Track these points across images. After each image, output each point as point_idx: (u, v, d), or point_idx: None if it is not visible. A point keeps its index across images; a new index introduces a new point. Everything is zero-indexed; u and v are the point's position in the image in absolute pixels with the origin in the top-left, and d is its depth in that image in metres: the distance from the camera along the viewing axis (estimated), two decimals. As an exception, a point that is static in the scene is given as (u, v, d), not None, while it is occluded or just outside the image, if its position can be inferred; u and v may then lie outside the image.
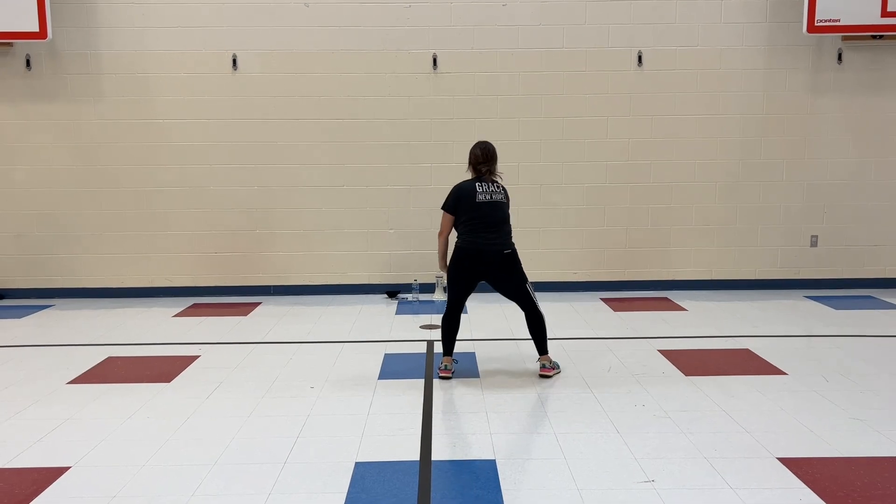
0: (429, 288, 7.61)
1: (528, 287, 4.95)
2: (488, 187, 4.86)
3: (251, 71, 7.46)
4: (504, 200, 4.90)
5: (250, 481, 3.45)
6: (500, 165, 5.03)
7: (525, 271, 4.97)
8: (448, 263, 4.98)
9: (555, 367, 4.99)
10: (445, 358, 4.99)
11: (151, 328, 6.49)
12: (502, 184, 4.97)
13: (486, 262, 4.84)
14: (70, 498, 3.32)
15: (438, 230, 5.04)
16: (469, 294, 4.99)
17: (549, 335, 5.05)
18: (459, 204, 4.87)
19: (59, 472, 3.57)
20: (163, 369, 5.22)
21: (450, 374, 4.93)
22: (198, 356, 5.55)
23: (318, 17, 7.40)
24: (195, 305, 7.36)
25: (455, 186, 4.95)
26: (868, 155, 7.60)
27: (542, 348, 5.00)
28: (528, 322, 4.99)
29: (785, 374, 4.96)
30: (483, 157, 4.89)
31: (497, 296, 6.83)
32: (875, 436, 3.89)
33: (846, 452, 3.69)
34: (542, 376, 4.93)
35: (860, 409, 4.28)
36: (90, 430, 4.09)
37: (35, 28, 7.08)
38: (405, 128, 7.54)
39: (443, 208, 4.96)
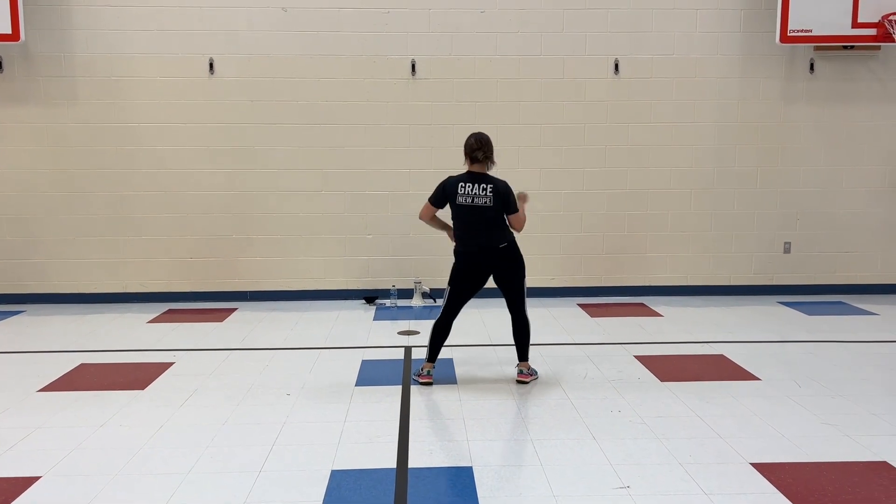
0: (407, 294, 7.60)
1: (525, 287, 4.94)
2: (471, 189, 4.77)
3: (228, 75, 7.41)
4: (488, 204, 4.76)
5: (225, 490, 3.42)
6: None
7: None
8: (451, 269, 4.92)
9: (532, 373, 5.01)
10: (428, 364, 4.98)
11: (125, 334, 6.41)
12: (497, 179, 4.84)
13: (487, 258, 4.82)
14: (40, 508, 3.28)
15: (419, 214, 4.98)
16: (470, 299, 4.94)
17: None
18: (444, 197, 4.87)
19: (29, 481, 3.52)
20: (136, 376, 5.16)
21: (431, 381, 4.92)
22: (172, 363, 5.49)
23: (297, 22, 7.38)
24: (170, 311, 7.29)
25: (444, 180, 4.89)
26: (839, 163, 7.73)
27: (523, 354, 5.01)
28: (515, 327, 4.99)
29: (758, 379, 5.02)
30: (478, 144, 4.79)
31: (476, 301, 6.83)
32: (846, 441, 3.95)
33: (818, 457, 3.74)
34: (519, 382, 4.95)
35: (831, 415, 4.34)
36: (61, 439, 4.03)
37: (7, 30, 6.99)
38: (384, 133, 7.54)
39: (429, 199, 4.92)
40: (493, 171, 4.89)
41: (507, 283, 4.90)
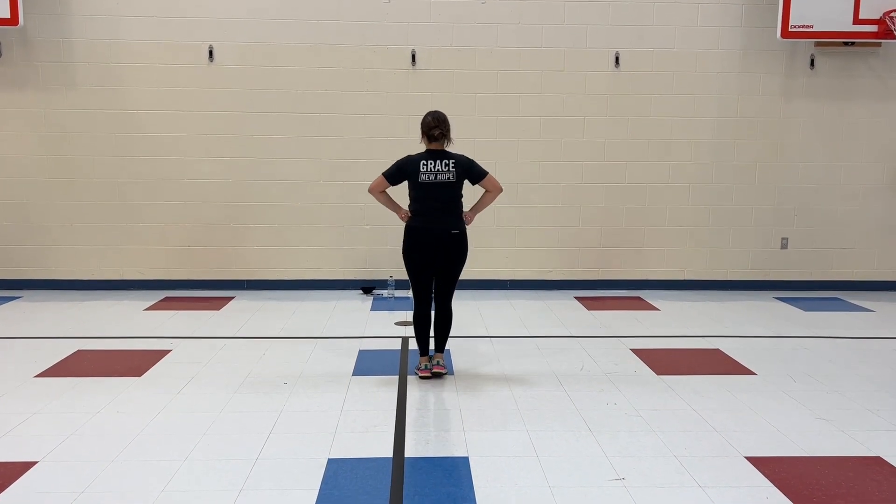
0: (404, 284, 7.60)
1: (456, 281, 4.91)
2: (434, 166, 4.73)
3: (228, 63, 7.38)
4: (451, 179, 4.74)
5: (221, 477, 3.43)
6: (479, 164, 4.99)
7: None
8: (403, 249, 4.89)
9: (445, 367, 4.92)
10: (423, 358, 4.96)
11: (122, 321, 6.41)
12: (458, 154, 4.81)
13: (436, 240, 4.77)
14: (37, 493, 3.28)
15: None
16: (432, 280, 4.89)
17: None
18: (400, 176, 4.82)
19: (26, 466, 3.52)
20: (134, 363, 5.16)
21: (430, 374, 4.88)
22: (169, 350, 5.49)
23: (297, 11, 7.35)
24: (167, 299, 7.29)
25: (403, 157, 4.85)
26: (837, 159, 7.74)
27: (441, 346, 4.96)
28: (439, 317, 4.91)
29: (754, 374, 5.04)
30: (435, 122, 4.75)
31: (473, 294, 6.88)
32: (840, 436, 3.98)
33: (812, 452, 3.76)
34: (434, 375, 4.86)
35: (826, 410, 4.36)
36: (58, 425, 4.04)
37: (6, 14, 6.94)
38: (383, 123, 7.52)
39: (383, 173, 4.86)
40: (452, 149, 4.86)
41: (448, 272, 4.85)
